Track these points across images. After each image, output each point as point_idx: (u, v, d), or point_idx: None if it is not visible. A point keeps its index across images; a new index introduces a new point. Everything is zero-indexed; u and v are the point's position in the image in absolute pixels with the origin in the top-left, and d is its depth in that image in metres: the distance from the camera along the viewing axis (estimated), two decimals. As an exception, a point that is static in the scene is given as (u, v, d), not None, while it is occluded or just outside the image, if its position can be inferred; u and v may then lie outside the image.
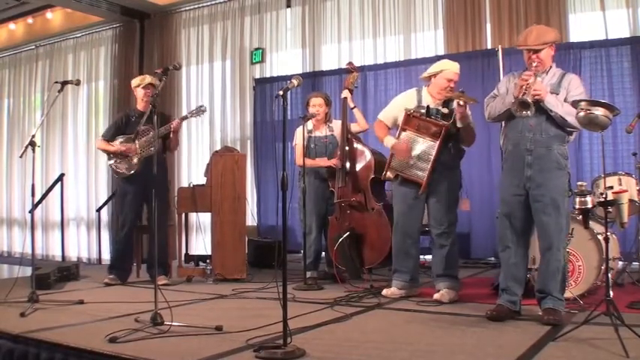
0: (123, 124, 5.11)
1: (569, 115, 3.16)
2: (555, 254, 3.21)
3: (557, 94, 3.28)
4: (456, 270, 4.03)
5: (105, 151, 5.11)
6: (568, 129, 3.27)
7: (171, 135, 5.01)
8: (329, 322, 3.33)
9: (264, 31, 7.56)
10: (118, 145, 5.02)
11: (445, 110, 4.01)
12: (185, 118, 5.13)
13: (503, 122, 3.51)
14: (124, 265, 5.18)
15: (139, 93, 5.09)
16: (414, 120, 4.02)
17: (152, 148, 4.91)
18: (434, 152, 3.93)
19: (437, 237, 4.02)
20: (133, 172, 4.99)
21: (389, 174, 4.12)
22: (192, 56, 8.13)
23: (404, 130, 4.04)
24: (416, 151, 4.00)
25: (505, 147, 3.47)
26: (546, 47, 3.32)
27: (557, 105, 3.22)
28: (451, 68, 4.08)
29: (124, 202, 5.14)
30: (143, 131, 4.97)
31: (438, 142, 3.92)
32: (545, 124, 3.26)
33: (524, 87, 3.18)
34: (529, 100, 3.11)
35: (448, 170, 4.01)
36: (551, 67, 3.40)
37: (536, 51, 3.29)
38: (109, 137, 5.10)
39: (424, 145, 3.97)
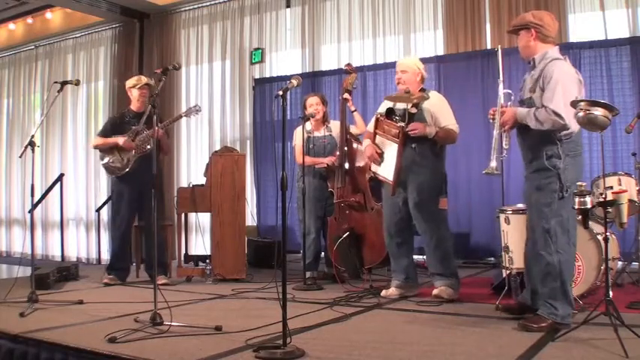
0: (117, 124, 5.12)
1: (541, 122, 3.01)
2: (545, 258, 3.04)
3: (533, 94, 3.14)
4: (449, 268, 3.98)
5: (103, 145, 5.08)
6: (558, 127, 3.00)
7: (161, 140, 4.99)
8: (328, 322, 3.33)
9: (264, 31, 7.56)
10: (116, 138, 5.00)
11: (413, 110, 4.02)
12: (179, 117, 5.14)
13: None
14: (123, 264, 5.18)
15: (134, 93, 5.11)
16: (380, 123, 4.10)
17: (148, 147, 4.92)
18: (396, 153, 3.96)
19: (422, 236, 4.04)
20: (127, 170, 4.99)
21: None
22: (191, 56, 8.13)
23: (376, 133, 4.12)
24: (385, 154, 4.06)
25: None
26: (521, 32, 3.22)
27: (528, 119, 3.07)
28: (398, 61, 4.21)
29: (119, 202, 5.14)
30: (137, 131, 4.97)
31: (398, 144, 3.95)
32: (526, 126, 3.13)
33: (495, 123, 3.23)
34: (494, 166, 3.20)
35: (420, 168, 3.97)
36: (534, 58, 3.20)
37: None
38: (106, 136, 5.09)
39: (390, 147, 4.02)
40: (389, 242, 4.16)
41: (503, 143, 3.24)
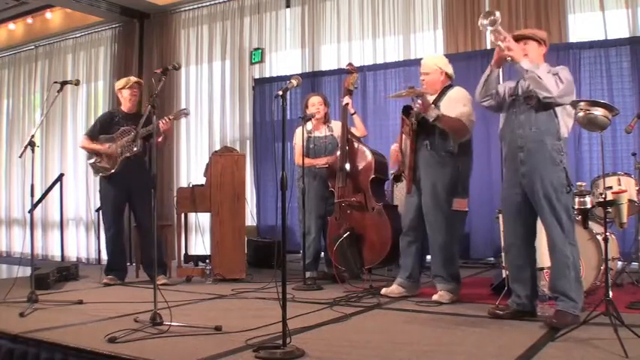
0: (107, 124, 5.11)
1: (542, 78, 3.09)
2: (561, 250, 3.12)
3: None
4: (452, 271, 3.95)
5: (88, 149, 5.09)
6: (543, 93, 3.11)
7: (160, 133, 4.97)
8: (328, 322, 3.33)
9: (264, 31, 7.56)
10: (102, 146, 4.99)
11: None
12: (167, 119, 5.10)
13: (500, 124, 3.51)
14: (119, 265, 5.18)
15: (125, 94, 5.12)
16: (402, 121, 4.11)
17: (135, 148, 4.91)
18: (408, 150, 3.98)
19: (429, 236, 4.02)
20: (112, 171, 4.98)
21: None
22: (191, 56, 8.13)
23: (402, 132, 4.13)
24: (406, 151, 4.09)
25: (503, 148, 3.49)
26: (534, 43, 3.31)
27: (532, 68, 3.15)
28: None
29: (106, 203, 5.14)
30: (124, 131, 4.98)
31: (409, 141, 3.95)
32: (534, 119, 3.22)
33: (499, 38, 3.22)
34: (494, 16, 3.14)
35: (433, 167, 3.95)
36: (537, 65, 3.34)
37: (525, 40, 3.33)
38: (94, 135, 5.08)
39: (407, 144, 4.04)
40: (401, 238, 4.19)
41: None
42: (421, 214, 4.04)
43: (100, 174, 5.06)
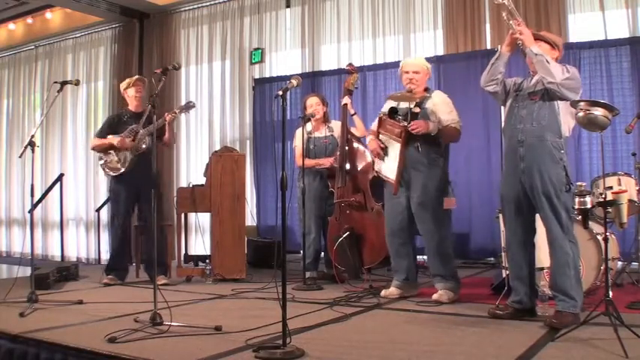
0: (115, 124, 5.12)
1: (549, 63, 3.13)
2: (561, 247, 3.12)
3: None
4: (450, 269, 3.97)
5: (99, 147, 5.09)
6: (548, 78, 3.12)
7: (166, 128, 4.98)
8: (328, 323, 3.33)
9: (264, 31, 7.56)
10: (112, 137, 5.00)
11: (417, 110, 4.02)
12: (174, 113, 5.13)
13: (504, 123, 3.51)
14: (121, 265, 5.18)
15: (130, 93, 5.13)
16: (383, 122, 4.09)
17: (144, 145, 4.92)
18: (398, 153, 3.96)
19: (423, 237, 4.02)
20: (123, 170, 4.99)
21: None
22: (191, 56, 8.13)
23: (380, 133, 4.11)
24: (389, 153, 4.06)
25: (504, 143, 3.50)
26: (547, 46, 3.33)
27: (542, 54, 3.17)
28: (404, 61, 4.20)
29: (117, 202, 5.14)
30: (133, 130, 4.98)
31: (400, 143, 3.95)
32: (536, 113, 3.23)
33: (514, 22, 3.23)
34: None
35: (423, 168, 3.96)
36: None
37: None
38: (103, 136, 5.09)
39: (393, 147, 4.02)
40: (391, 242, 4.16)
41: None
42: (410, 215, 4.03)
43: (111, 174, 5.08)
